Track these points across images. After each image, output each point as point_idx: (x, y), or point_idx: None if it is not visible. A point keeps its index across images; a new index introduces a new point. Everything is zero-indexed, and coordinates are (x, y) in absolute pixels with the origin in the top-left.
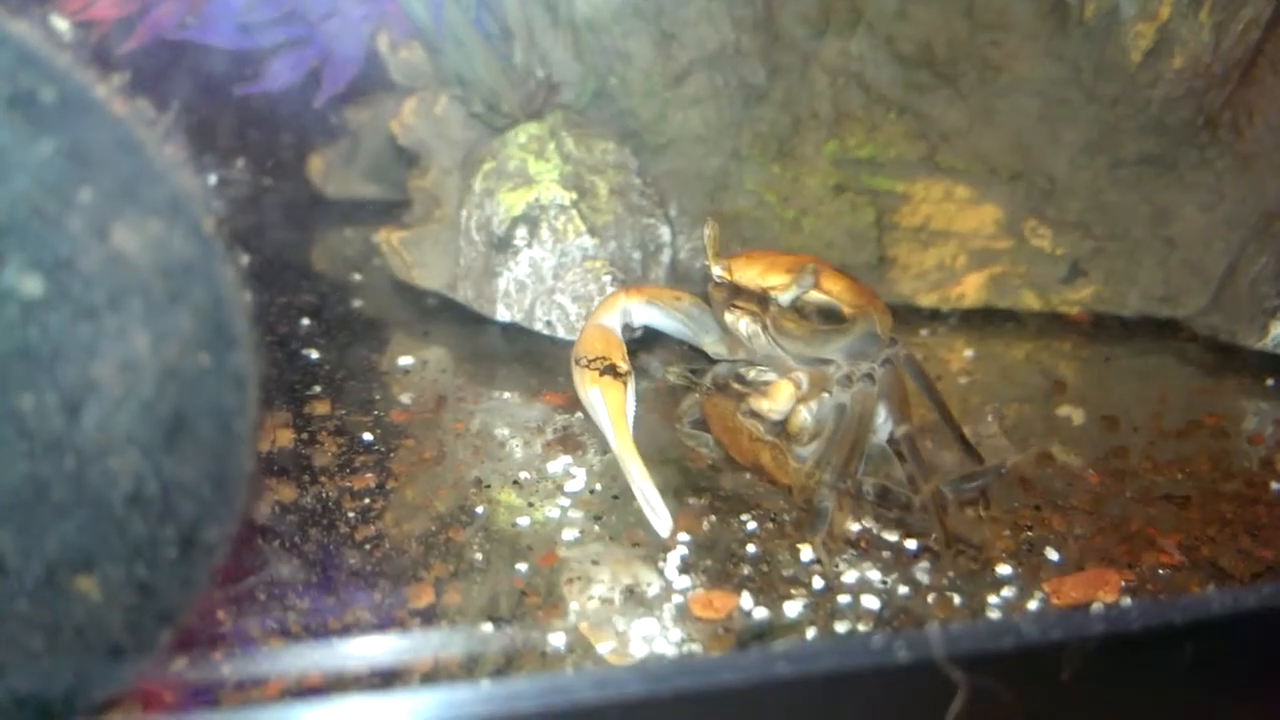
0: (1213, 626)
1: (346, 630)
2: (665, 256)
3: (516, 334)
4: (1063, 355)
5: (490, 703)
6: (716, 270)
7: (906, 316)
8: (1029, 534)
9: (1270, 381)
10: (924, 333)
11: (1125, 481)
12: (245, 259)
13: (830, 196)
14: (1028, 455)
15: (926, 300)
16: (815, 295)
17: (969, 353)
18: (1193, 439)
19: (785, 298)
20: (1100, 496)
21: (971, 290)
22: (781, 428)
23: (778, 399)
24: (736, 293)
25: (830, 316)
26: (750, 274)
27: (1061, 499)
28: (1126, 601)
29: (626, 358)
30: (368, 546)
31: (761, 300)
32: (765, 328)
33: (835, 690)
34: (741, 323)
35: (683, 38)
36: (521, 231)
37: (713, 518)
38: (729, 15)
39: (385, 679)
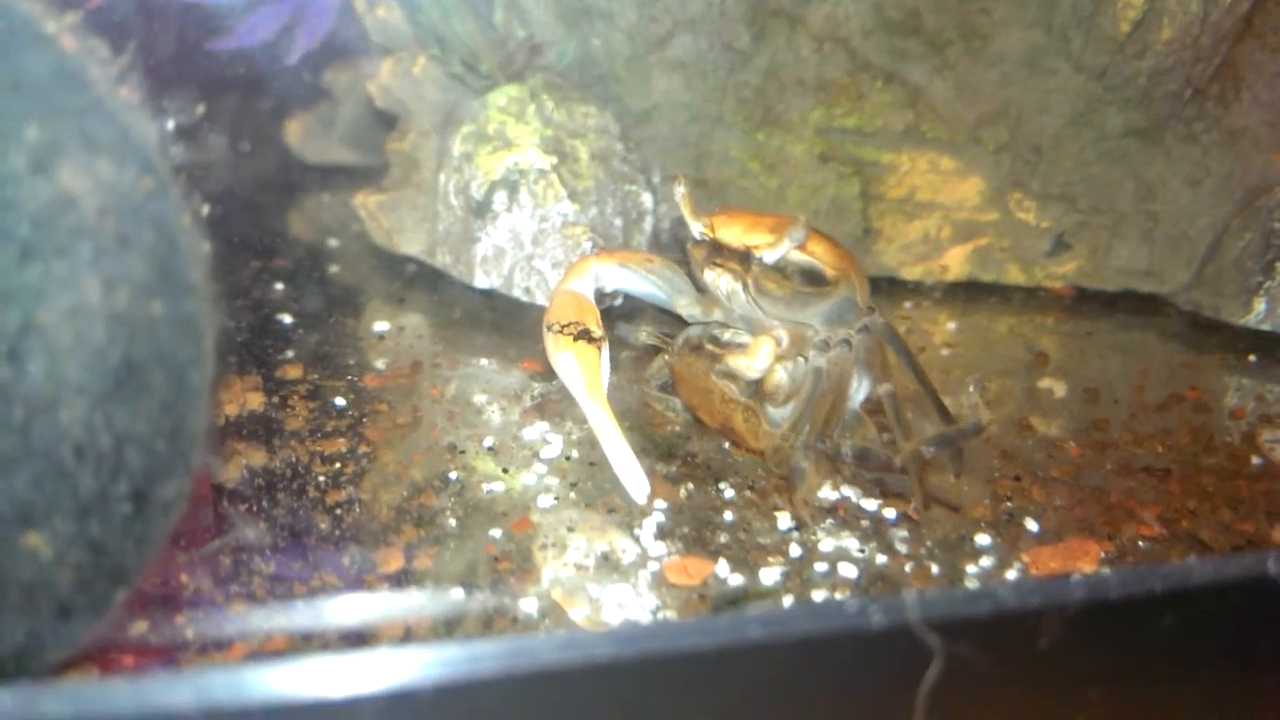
0: (1193, 596)
1: (313, 595)
2: (647, 224)
3: (495, 300)
4: (1045, 329)
5: (455, 664)
6: (697, 227)
7: (891, 289)
8: (1008, 504)
9: (1253, 357)
10: (908, 305)
11: (1106, 453)
12: (205, 208)
13: (815, 166)
14: (1002, 416)
15: (911, 273)
16: (798, 256)
17: (952, 325)
18: (1174, 413)
19: (771, 255)
20: (1080, 468)
21: (956, 263)
22: (756, 388)
23: (757, 355)
24: (717, 250)
25: (811, 279)
26: (733, 231)
27: (1042, 470)
28: (1105, 571)
29: (600, 322)
30: (338, 511)
31: (743, 258)
32: (746, 286)
33: (809, 655)
34: (721, 281)
35: None
36: (500, 196)
37: (689, 485)
38: None
39: (353, 644)
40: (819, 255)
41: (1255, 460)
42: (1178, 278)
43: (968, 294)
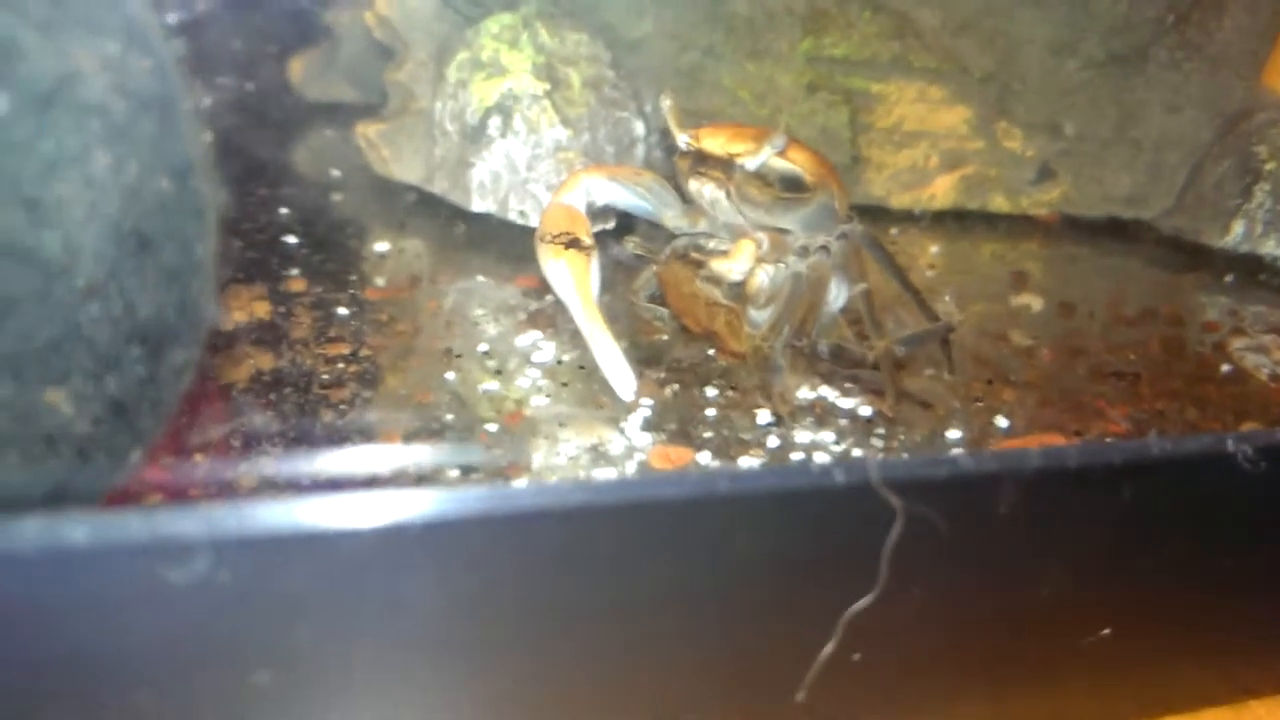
0: (1151, 469)
1: (314, 477)
2: (639, 151)
3: (491, 224)
4: (1029, 254)
5: (441, 504)
6: (683, 138)
7: (879, 217)
8: (979, 404)
9: (1230, 278)
10: (894, 232)
11: (1078, 360)
12: (208, 99)
13: (804, 95)
14: (978, 327)
15: (899, 201)
16: (779, 163)
17: (936, 249)
18: (1148, 325)
19: (753, 161)
20: (1052, 373)
21: (943, 191)
22: (738, 292)
23: (739, 256)
24: (702, 160)
25: (792, 186)
26: (717, 141)
27: (1015, 374)
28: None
29: (590, 233)
30: (341, 406)
31: (726, 166)
32: (728, 194)
33: (775, 510)
34: (705, 189)
35: None
36: (495, 121)
37: (675, 386)
38: None
39: None
40: (799, 162)
41: (1225, 367)
42: (1160, 203)
43: (954, 222)
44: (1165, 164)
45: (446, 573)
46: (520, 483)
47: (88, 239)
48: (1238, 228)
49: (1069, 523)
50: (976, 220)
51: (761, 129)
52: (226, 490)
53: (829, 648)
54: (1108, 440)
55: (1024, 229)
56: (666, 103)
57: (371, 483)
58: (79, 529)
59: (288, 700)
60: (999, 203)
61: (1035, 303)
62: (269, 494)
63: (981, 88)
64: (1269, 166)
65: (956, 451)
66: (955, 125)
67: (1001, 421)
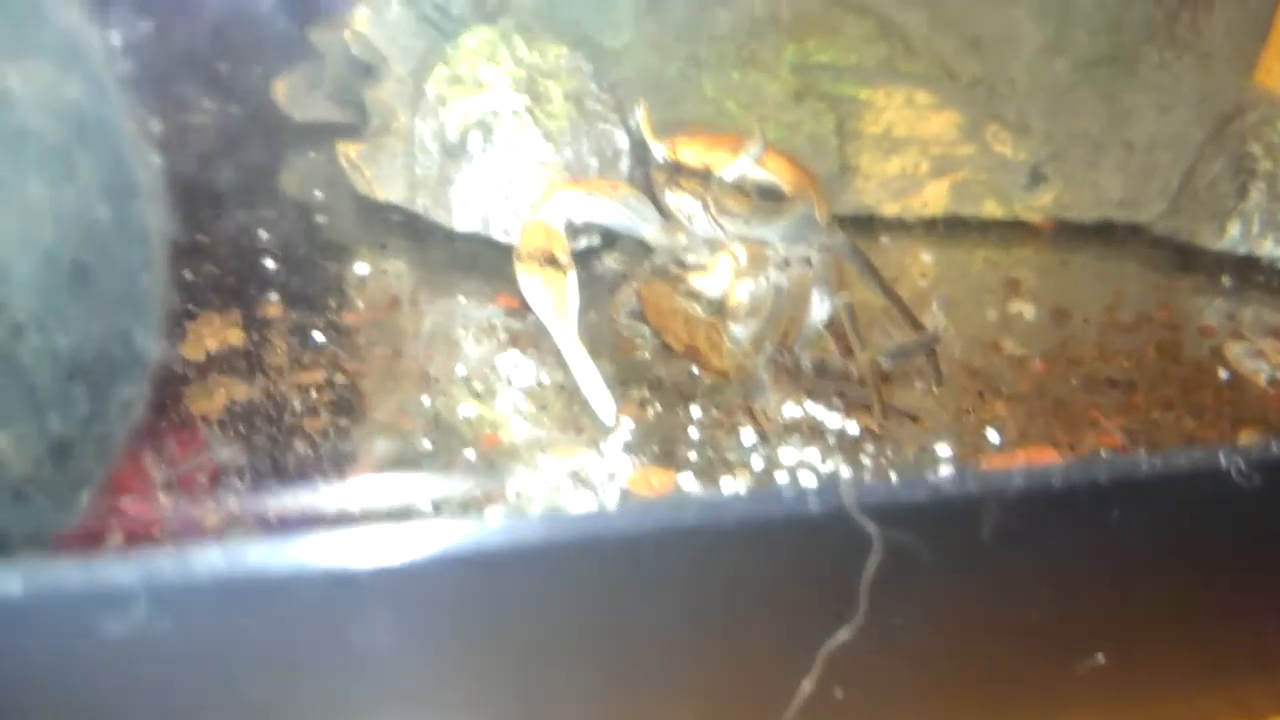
0: (1141, 487)
1: (286, 514)
2: (623, 164)
3: (474, 242)
4: (1022, 260)
5: (403, 543)
6: (660, 149)
7: (870, 226)
8: (971, 417)
9: (1227, 280)
10: (884, 240)
11: (1071, 369)
12: (157, 124)
13: (791, 104)
14: (970, 337)
15: (890, 210)
16: (757, 173)
17: (927, 257)
18: (1143, 332)
19: (730, 172)
20: (1045, 383)
21: (934, 198)
22: (718, 307)
23: (716, 270)
24: (678, 171)
25: (770, 196)
26: (693, 151)
27: (1006, 385)
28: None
29: (568, 250)
30: (314, 436)
31: (704, 178)
32: (706, 206)
33: (747, 539)
34: (683, 201)
35: None
36: (475, 137)
37: (657, 406)
38: None
39: None
40: (777, 171)
41: (1223, 374)
42: (1155, 206)
43: (947, 229)
44: (1158, 165)
45: (412, 614)
46: (481, 519)
47: (21, 271)
48: (1234, 229)
49: (1055, 545)
50: (970, 227)
51: (739, 136)
52: (191, 529)
53: (808, 684)
54: (1094, 456)
55: (1018, 235)
56: (639, 112)
57: (342, 519)
58: (8, 580)
59: None
60: (991, 208)
61: (1028, 310)
62: (235, 532)
63: (970, 91)
64: (1264, 165)
65: (940, 472)
66: (944, 130)
67: (992, 435)
